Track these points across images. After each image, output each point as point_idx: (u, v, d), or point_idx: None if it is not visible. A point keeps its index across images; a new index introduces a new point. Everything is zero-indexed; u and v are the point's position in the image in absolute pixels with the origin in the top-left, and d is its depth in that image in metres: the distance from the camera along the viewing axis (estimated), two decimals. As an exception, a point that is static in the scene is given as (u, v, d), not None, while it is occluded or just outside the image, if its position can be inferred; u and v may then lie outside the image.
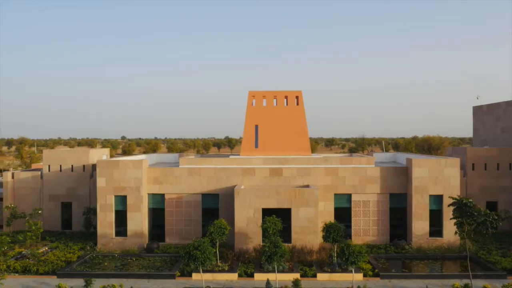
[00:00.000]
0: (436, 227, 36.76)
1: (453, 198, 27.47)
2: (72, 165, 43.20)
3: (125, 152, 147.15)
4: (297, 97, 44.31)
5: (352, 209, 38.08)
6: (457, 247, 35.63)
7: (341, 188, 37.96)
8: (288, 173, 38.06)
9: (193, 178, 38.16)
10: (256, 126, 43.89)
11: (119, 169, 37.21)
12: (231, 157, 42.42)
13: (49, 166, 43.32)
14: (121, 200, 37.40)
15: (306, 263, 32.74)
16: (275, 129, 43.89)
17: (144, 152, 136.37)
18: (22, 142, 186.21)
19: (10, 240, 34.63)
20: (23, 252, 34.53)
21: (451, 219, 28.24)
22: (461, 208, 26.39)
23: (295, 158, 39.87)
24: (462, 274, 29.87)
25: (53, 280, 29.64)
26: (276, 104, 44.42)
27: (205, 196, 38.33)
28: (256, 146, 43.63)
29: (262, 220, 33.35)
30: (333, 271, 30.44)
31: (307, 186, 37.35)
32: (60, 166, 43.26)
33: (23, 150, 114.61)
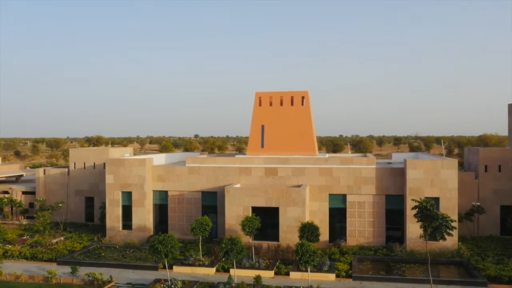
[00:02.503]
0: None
1: (415, 201, 26.87)
2: (94, 163, 46.98)
3: (187, 150, 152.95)
4: (303, 98, 44.63)
5: (347, 209, 37.89)
6: (450, 252, 34.27)
7: (336, 188, 37.91)
8: (283, 173, 38.70)
9: (193, 176, 40.05)
10: (262, 126, 44.84)
11: (125, 167, 40.05)
12: (236, 156, 43.83)
13: (74, 163, 47.47)
14: (127, 196, 40.24)
15: (289, 262, 33.33)
16: (280, 129, 44.54)
17: (203, 151, 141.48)
18: (98, 140, 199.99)
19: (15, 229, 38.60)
20: (37, 241, 38.45)
21: (420, 222, 27.45)
22: (422, 211, 25.75)
23: (295, 158, 40.32)
24: (438, 279, 28.97)
25: (52, 266, 32.87)
26: (282, 105, 45.04)
27: (205, 194, 40.07)
28: (262, 146, 44.59)
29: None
30: (307, 270, 30.73)
31: (300, 186, 37.76)
32: (84, 163, 47.23)
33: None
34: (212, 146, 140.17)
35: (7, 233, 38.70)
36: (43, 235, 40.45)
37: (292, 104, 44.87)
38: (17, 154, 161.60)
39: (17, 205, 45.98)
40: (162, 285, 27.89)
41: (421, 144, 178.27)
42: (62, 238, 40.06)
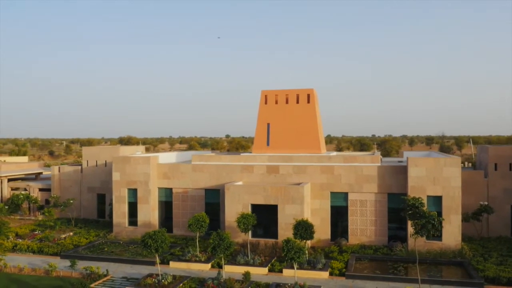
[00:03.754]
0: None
1: (405, 198, 26.34)
2: (105, 161, 48.18)
3: (213, 149, 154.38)
4: (308, 95, 44.37)
5: (349, 208, 37.44)
6: (452, 252, 33.34)
7: (337, 186, 37.54)
8: (285, 171, 38.63)
9: (197, 174, 40.51)
10: (268, 125, 44.85)
11: (131, 164, 40.92)
12: (241, 154, 44.03)
13: (87, 161, 48.83)
14: (133, 193, 41.10)
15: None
16: (286, 127, 44.43)
17: (228, 150, 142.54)
18: (129, 140, 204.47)
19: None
20: (45, 236, 39.79)
21: (409, 220, 26.87)
22: (411, 209, 25.23)
23: (298, 156, 40.20)
24: (432, 279, 28.32)
25: (55, 260, 33.98)
26: (288, 103, 44.89)
27: (208, 191, 40.45)
28: (268, 144, 44.61)
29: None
30: (301, 267, 30.62)
31: (301, 183, 37.58)
32: (96, 161, 48.51)
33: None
34: (237, 146, 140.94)
35: (11, 228, 40.13)
36: (54, 230, 41.82)
37: (297, 102, 44.67)
38: (51, 153, 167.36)
39: (33, 201, 47.71)
40: (153, 279, 28.39)
41: (453, 144, 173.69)
42: (71, 234, 41.34)
